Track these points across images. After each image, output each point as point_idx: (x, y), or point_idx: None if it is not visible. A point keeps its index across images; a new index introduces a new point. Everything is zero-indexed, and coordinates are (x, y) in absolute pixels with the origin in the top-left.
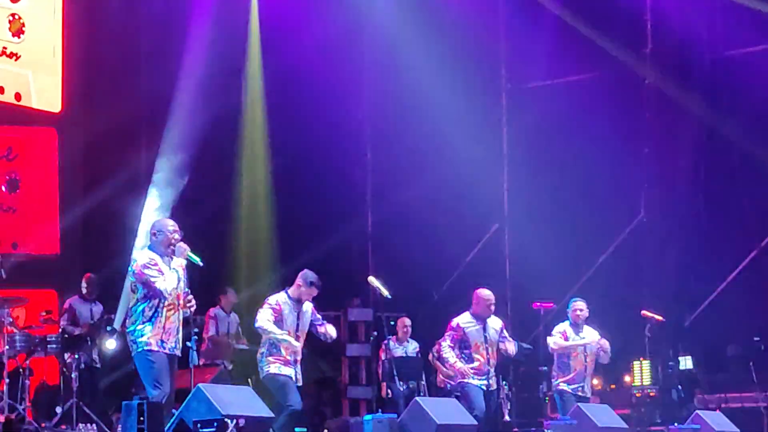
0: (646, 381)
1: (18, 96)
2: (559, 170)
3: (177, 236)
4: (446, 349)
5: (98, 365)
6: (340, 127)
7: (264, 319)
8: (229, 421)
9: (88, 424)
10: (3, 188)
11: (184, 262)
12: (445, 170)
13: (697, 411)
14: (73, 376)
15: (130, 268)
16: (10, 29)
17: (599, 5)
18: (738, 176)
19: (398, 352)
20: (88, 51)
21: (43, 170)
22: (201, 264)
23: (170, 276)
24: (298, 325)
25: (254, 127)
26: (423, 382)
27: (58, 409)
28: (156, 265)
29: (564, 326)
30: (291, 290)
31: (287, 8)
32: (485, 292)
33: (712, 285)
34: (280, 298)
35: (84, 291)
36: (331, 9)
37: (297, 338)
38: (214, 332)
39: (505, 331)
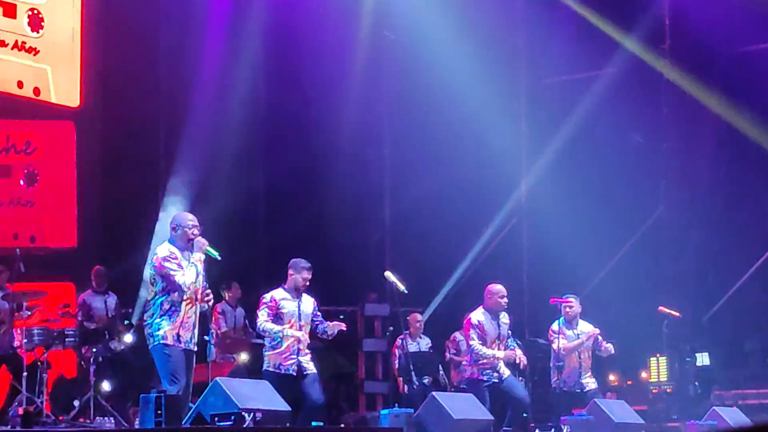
0: (663, 377)
1: (37, 91)
2: (577, 165)
3: (196, 231)
4: (478, 346)
5: (119, 350)
6: (359, 121)
7: (262, 320)
8: (246, 414)
9: (106, 417)
10: (21, 182)
11: (203, 256)
12: (464, 165)
13: (714, 407)
14: (90, 369)
15: (150, 261)
16: (29, 24)
17: (618, 0)
18: (757, 171)
19: (412, 347)
20: (106, 45)
21: (61, 164)
22: (219, 258)
23: (189, 270)
24: (300, 315)
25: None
26: (442, 373)
27: (76, 403)
28: (176, 258)
29: (556, 325)
30: (286, 283)
31: (308, 5)
32: (497, 287)
33: (730, 281)
34: (275, 294)
35: (94, 284)
36: (348, 6)
37: (300, 328)
38: (225, 327)
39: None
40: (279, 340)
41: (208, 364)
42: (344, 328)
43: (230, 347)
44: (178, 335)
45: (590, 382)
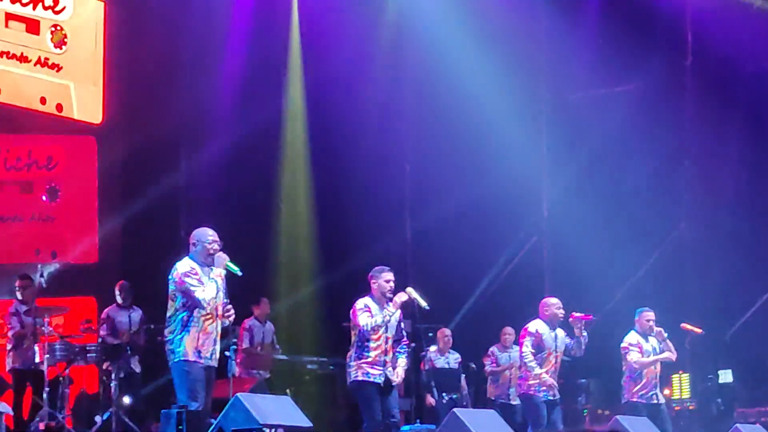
0: (686, 394)
1: (59, 107)
2: (599, 182)
3: (216, 246)
4: (529, 355)
5: (138, 372)
6: (380, 138)
7: (364, 321)
8: (267, 430)
9: None
10: (43, 197)
11: (223, 272)
12: (485, 181)
13: (737, 425)
14: (112, 385)
15: (170, 277)
16: (52, 40)
17: (640, 17)
18: None
19: (440, 363)
20: (129, 61)
21: (82, 179)
22: (240, 274)
23: (209, 286)
24: (387, 327)
25: (294, 138)
26: (465, 392)
27: (98, 418)
28: (196, 274)
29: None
30: (372, 293)
31: (329, 19)
32: (552, 299)
33: (753, 298)
34: (366, 301)
35: (119, 299)
36: (372, 20)
37: (386, 340)
38: (248, 344)
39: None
40: (365, 348)
41: (230, 379)
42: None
43: (256, 363)
44: (199, 351)
45: (660, 395)
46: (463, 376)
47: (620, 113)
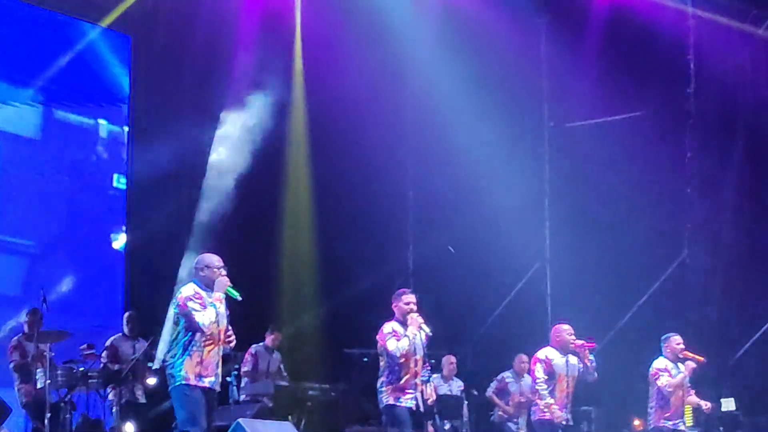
0: (689, 423)
1: None
2: (601, 209)
3: (223, 272)
4: (542, 383)
5: (143, 401)
6: (382, 165)
7: (393, 346)
8: None
9: None
10: None
11: (223, 296)
12: (487, 209)
13: None
14: (113, 411)
15: (174, 300)
16: None
17: (641, 44)
18: None
19: (443, 389)
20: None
21: None
22: (239, 299)
23: (209, 310)
24: (415, 349)
25: (297, 164)
26: (466, 419)
27: None
28: (200, 298)
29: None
30: (395, 317)
31: (331, 44)
32: (564, 326)
33: (756, 325)
34: (393, 325)
35: (125, 329)
36: (373, 46)
37: (416, 362)
38: (250, 368)
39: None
40: (395, 373)
41: (230, 405)
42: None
43: (257, 389)
44: (200, 375)
45: (684, 425)
46: (465, 403)
47: (621, 141)
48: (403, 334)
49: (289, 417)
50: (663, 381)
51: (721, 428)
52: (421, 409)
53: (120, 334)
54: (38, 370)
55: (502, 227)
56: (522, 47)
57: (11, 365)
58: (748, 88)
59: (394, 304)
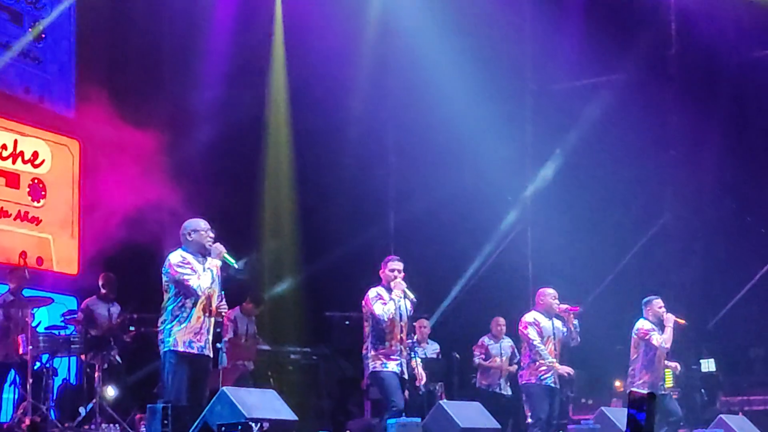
0: (669, 383)
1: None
2: (583, 171)
3: (211, 235)
4: (541, 345)
5: (120, 363)
6: (364, 130)
7: (380, 310)
8: (253, 424)
9: (111, 425)
10: (28, 195)
11: (219, 263)
12: (469, 172)
13: (721, 415)
14: (95, 376)
15: (163, 268)
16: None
17: (624, 7)
18: (764, 178)
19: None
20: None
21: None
22: (237, 266)
23: (205, 275)
24: (401, 315)
25: (278, 130)
26: (441, 383)
27: (82, 410)
28: (189, 264)
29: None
30: (383, 282)
31: (311, 11)
32: (549, 290)
33: (736, 287)
34: (378, 290)
35: (102, 291)
36: (355, 12)
37: (401, 328)
38: (232, 334)
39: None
40: (381, 339)
41: (219, 371)
42: None
43: (241, 354)
44: (190, 341)
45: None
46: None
47: (604, 103)
48: (389, 299)
49: (270, 380)
50: (657, 339)
51: (703, 389)
52: (405, 376)
53: (95, 296)
54: (19, 337)
55: (483, 190)
56: (504, 10)
57: None
58: (731, 51)
59: (381, 270)
